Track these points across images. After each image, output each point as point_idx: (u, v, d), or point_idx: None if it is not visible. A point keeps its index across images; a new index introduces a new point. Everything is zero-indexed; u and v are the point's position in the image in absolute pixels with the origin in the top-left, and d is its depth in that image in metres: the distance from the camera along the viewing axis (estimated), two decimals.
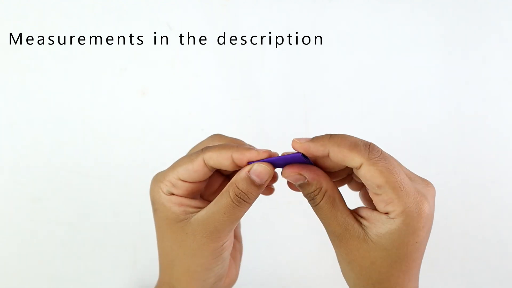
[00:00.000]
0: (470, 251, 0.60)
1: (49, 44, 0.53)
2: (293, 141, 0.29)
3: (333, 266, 0.56)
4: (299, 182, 0.30)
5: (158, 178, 0.32)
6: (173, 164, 0.32)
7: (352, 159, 0.28)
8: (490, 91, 0.56)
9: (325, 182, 0.29)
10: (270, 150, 0.31)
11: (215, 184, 0.36)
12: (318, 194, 0.29)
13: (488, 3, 0.54)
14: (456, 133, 0.56)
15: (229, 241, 0.33)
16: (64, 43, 0.53)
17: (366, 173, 0.27)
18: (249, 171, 0.29)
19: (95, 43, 0.53)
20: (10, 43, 0.53)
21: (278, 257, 0.58)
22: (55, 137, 0.54)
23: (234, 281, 0.38)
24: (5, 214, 0.55)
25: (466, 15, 0.54)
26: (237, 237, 0.39)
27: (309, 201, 0.30)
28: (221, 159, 0.30)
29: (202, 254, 0.31)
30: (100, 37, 0.53)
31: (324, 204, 0.29)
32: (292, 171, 0.29)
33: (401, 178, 0.27)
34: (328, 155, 0.29)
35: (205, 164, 0.31)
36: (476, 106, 0.56)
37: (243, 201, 0.30)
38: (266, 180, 0.30)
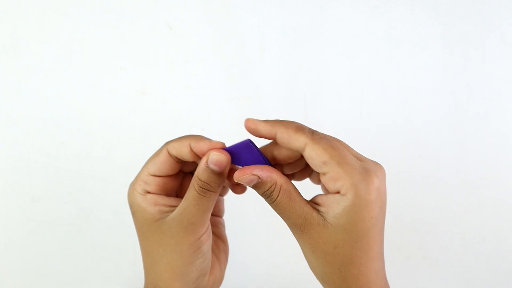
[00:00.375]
0: (470, 251, 0.60)
1: (49, 43, 0.53)
2: (246, 119, 0.32)
3: None
4: (253, 183, 0.30)
5: (132, 182, 0.34)
6: (144, 164, 0.34)
7: (296, 140, 0.29)
8: (490, 91, 0.56)
9: (278, 177, 0.30)
10: (223, 142, 0.32)
11: (189, 183, 0.37)
12: (274, 191, 0.30)
13: (488, 3, 0.54)
14: (456, 133, 0.56)
15: (206, 234, 0.34)
16: (64, 43, 0.53)
17: (311, 152, 0.29)
18: (207, 162, 0.31)
19: (95, 43, 0.53)
20: (10, 43, 0.53)
21: (278, 257, 0.58)
22: (55, 137, 0.54)
23: (219, 280, 0.39)
24: (5, 214, 0.55)
25: (466, 15, 0.54)
26: (221, 238, 0.40)
27: (266, 199, 0.31)
28: (181, 148, 0.32)
29: (181, 248, 0.32)
30: (100, 37, 0.53)
31: (281, 199, 0.30)
32: (244, 172, 0.30)
33: (345, 154, 0.29)
34: (275, 137, 0.30)
35: (169, 155, 0.33)
36: (476, 106, 0.56)
37: (208, 191, 0.31)
38: (225, 167, 0.31)
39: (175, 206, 0.33)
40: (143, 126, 0.54)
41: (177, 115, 0.54)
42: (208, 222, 0.34)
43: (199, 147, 0.31)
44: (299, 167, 0.34)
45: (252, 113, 0.55)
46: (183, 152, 0.32)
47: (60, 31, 0.53)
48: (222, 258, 0.39)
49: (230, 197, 0.55)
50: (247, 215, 0.57)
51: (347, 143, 0.54)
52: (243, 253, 0.58)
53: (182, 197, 0.36)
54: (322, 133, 0.30)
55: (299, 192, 0.31)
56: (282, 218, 0.31)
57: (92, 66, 0.53)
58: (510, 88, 0.55)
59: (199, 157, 0.32)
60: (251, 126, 0.31)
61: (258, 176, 0.30)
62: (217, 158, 0.31)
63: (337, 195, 0.29)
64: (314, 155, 0.29)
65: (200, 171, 0.31)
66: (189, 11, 0.53)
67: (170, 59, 0.54)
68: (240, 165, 0.32)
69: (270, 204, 0.31)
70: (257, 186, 0.30)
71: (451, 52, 0.55)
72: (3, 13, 0.52)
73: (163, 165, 0.33)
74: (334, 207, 0.29)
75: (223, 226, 0.41)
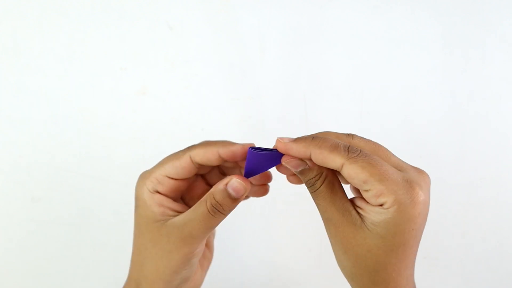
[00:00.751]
0: (470, 251, 0.60)
1: (49, 43, 0.53)
2: (277, 140, 0.30)
3: (333, 266, 0.56)
4: (300, 168, 0.30)
5: (145, 175, 0.34)
6: (160, 162, 0.33)
7: (333, 160, 0.28)
8: (490, 91, 0.56)
9: (325, 169, 0.30)
10: (253, 144, 0.32)
11: (198, 190, 0.37)
12: (319, 179, 0.30)
13: (488, 3, 0.54)
14: (456, 133, 0.56)
15: (200, 248, 0.34)
16: (64, 43, 0.53)
17: (350, 172, 0.28)
18: (226, 184, 0.31)
19: (95, 43, 0.53)
20: (10, 43, 0.53)
21: (278, 257, 0.58)
22: (55, 137, 0.54)
23: (198, 285, 0.39)
24: (5, 214, 0.55)
25: (466, 15, 0.54)
26: (208, 246, 0.40)
27: (309, 187, 0.30)
28: (208, 155, 0.31)
29: (174, 257, 0.32)
30: (100, 37, 0.53)
31: (324, 189, 0.30)
32: (293, 157, 0.30)
33: (385, 169, 0.28)
34: (310, 157, 0.29)
35: (192, 161, 0.32)
36: (476, 106, 0.56)
37: (219, 212, 0.31)
38: (242, 195, 0.31)
39: (178, 212, 0.33)
40: (143, 126, 0.54)
41: (177, 115, 0.54)
42: (206, 238, 0.34)
43: (230, 152, 0.31)
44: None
45: (252, 113, 0.55)
46: (210, 160, 0.32)
47: (60, 31, 0.53)
48: (205, 265, 0.39)
49: None
50: (247, 215, 0.57)
51: None
52: (243, 253, 0.58)
53: (187, 199, 0.36)
54: (357, 149, 0.29)
55: (343, 190, 0.30)
56: (320, 210, 0.31)
57: (92, 66, 0.53)
58: (510, 88, 0.56)
59: (225, 161, 0.32)
60: (281, 147, 0.30)
61: (307, 162, 0.30)
62: (238, 186, 0.31)
63: (378, 207, 0.28)
64: (353, 175, 0.28)
65: (217, 191, 0.31)
66: (189, 11, 0.53)
67: (170, 59, 0.54)
68: (263, 170, 0.32)
69: (311, 193, 0.30)
70: (303, 172, 0.30)
71: (451, 52, 0.55)
72: (3, 13, 0.52)
73: (183, 170, 0.32)
74: (374, 216, 0.28)
75: (213, 235, 0.41)
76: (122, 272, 0.57)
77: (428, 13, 0.54)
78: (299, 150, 0.29)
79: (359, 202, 0.30)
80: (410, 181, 0.28)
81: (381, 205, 0.28)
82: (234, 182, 0.31)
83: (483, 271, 0.60)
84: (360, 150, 0.29)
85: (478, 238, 0.60)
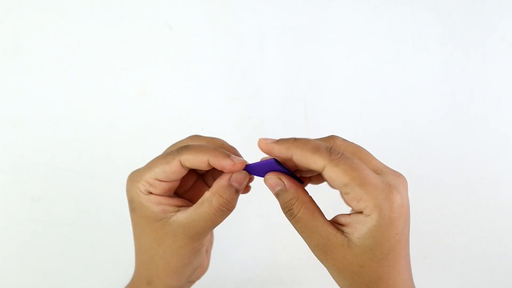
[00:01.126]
0: (470, 251, 0.60)
1: (49, 44, 0.53)
2: (259, 140, 0.31)
3: None
4: (278, 188, 0.30)
5: (135, 178, 0.33)
6: (149, 164, 0.33)
7: (314, 162, 0.28)
8: (490, 91, 0.56)
9: (302, 194, 0.30)
10: (245, 161, 0.32)
11: (189, 181, 0.37)
12: (295, 204, 0.30)
13: (488, 3, 0.54)
14: (456, 133, 0.56)
15: (207, 238, 0.35)
16: (64, 43, 0.53)
17: (331, 174, 0.28)
18: (229, 179, 0.31)
19: (95, 43, 0.53)
20: (10, 43, 0.53)
21: (278, 257, 0.58)
22: (55, 136, 0.54)
23: (206, 268, 0.40)
24: (5, 214, 0.55)
25: (466, 15, 0.54)
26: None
27: (287, 213, 0.30)
28: (198, 162, 0.31)
29: (183, 252, 0.33)
30: (100, 37, 0.53)
31: (303, 215, 0.30)
32: (273, 174, 0.30)
33: (366, 174, 0.28)
34: (291, 158, 0.29)
35: (182, 165, 0.32)
36: (476, 106, 0.56)
37: (227, 210, 0.31)
38: (243, 186, 0.32)
39: (178, 206, 0.33)
40: (143, 126, 0.54)
41: (177, 115, 0.54)
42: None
43: (220, 165, 0.31)
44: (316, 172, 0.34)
45: (252, 113, 0.55)
46: (200, 166, 0.31)
47: (60, 31, 0.53)
48: (209, 249, 0.40)
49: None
50: (247, 215, 0.57)
51: None
52: (243, 253, 0.58)
53: (181, 192, 0.36)
54: (339, 151, 0.29)
55: (323, 213, 0.30)
56: (304, 239, 0.31)
57: (92, 66, 0.53)
58: (510, 88, 0.55)
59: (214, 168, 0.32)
60: (263, 148, 0.31)
61: (284, 183, 0.30)
62: (241, 177, 0.31)
63: (360, 216, 0.28)
64: (334, 177, 0.28)
65: (223, 188, 0.31)
66: (189, 11, 0.53)
67: (170, 59, 0.54)
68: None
69: (291, 221, 0.30)
70: (280, 194, 0.30)
71: (451, 52, 0.55)
72: (3, 13, 0.52)
73: (173, 174, 0.32)
74: (359, 228, 0.28)
75: None
76: (122, 272, 0.57)
77: (428, 13, 0.54)
78: (281, 151, 0.30)
79: (341, 219, 0.30)
80: (388, 185, 0.28)
81: (361, 212, 0.28)
82: (238, 174, 0.31)
83: (483, 271, 0.60)
84: (342, 153, 0.29)
85: (478, 238, 0.60)
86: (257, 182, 0.57)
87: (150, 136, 0.54)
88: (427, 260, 0.60)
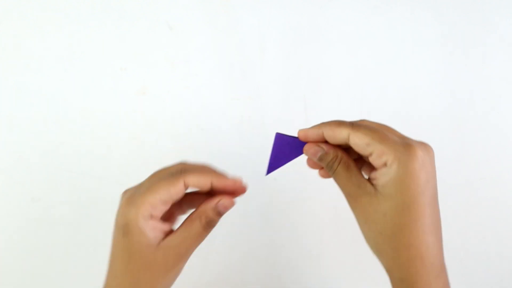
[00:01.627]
0: (470, 251, 0.60)
1: (49, 44, 0.53)
2: (299, 131, 0.36)
3: (332, 266, 0.56)
4: (319, 154, 0.34)
5: (135, 201, 0.33)
6: (150, 187, 0.33)
7: (340, 133, 0.33)
8: (490, 91, 0.56)
9: (340, 152, 0.34)
10: (243, 181, 0.36)
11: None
12: (335, 161, 0.34)
13: (488, 3, 0.54)
14: (456, 133, 0.56)
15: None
16: (64, 43, 0.53)
17: (354, 139, 0.32)
18: (217, 203, 0.34)
19: (95, 43, 0.53)
20: (10, 43, 0.53)
21: (278, 257, 0.58)
22: (55, 137, 0.54)
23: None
24: (5, 214, 0.55)
25: (466, 15, 0.54)
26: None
27: (329, 170, 0.35)
28: (202, 183, 0.33)
29: (170, 274, 0.35)
30: (100, 37, 0.53)
31: (341, 169, 0.34)
32: (311, 145, 0.35)
33: (386, 134, 0.31)
34: (324, 136, 0.34)
35: (185, 186, 0.33)
36: (476, 106, 0.56)
37: (211, 227, 0.35)
38: (227, 211, 0.35)
39: (166, 232, 0.34)
40: (143, 126, 0.54)
41: (177, 115, 0.54)
42: None
43: (223, 185, 0.34)
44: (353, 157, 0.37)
45: (252, 113, 0.55)
46: (202, 187, 0.34)
47: (60, 31, 0.53)
48: None
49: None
50: (247, 215, 0.57)
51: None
52: (243, 253, 0.58)
53: (165, 218, 0.37)
54: (361, 121, 0.34)
55: (358, 167, 0.34)
56: (341, 188, 0.35)
57: (92, 66, 0.53)
58: (510, 88, 0.56)
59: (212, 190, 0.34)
60: (301, 135, 0.35)
61: (323, 148, 0.34)
62: (228, 205, 0.35)
63: (384, 168, 0.31)
64: (357, 141, 0.31)
65: (210, 209, 0.34)
66: (189, 11, 0.53)
67: (170, 59, 0.54)
68: (284, 161, 0.38)
69: (332, 175, 0.35)
70: (322, 158, 0.34)
71: (451, 52, 0.55)
72: (3, 13, 0.52)
73: (177, 196, 0.33)
74: (382, 178, 0.31)
75: None
76: None
77: (428, 13, 0.54)
78: (313, 132, 0.34)
79: (372, 174, 0.33)
80: (408, 143, 0.31)
81: (385, 164, 0.31)
82: (225, 202, 0.34)
83: (483, 271, 0.60)
84: (363, 122, 0.34)
85: (478, 238, 0.60)
86: (257, 183, 0.57)
87: (150, 136, 0.54)
88: None
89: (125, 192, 0.35)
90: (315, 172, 0.55)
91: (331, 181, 0.57)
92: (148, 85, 0.54)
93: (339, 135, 0.33)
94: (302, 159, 0.55)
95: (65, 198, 0.55)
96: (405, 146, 0.31)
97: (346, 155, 0.35)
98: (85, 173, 0.55)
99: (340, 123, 0.33)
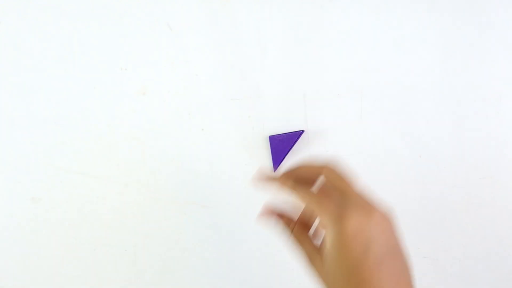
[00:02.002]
0: (470, 251, 0.60)
1: (49, 43, 0.53)
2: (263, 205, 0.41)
3: None
4: (274, 223, 0.39)
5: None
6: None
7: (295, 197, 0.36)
8: (490, 91, 0.56)
9: (292, 223, 0.39)
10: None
11: None
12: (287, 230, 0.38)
13: (488, 3, 0.54)
14: (456, 132, 0.56)
15: None
16: (64, 43, 0.53)
17: (298, 201, 0.35)
18: None
19: (95, 43, 0.53)
20: (10, 43, 0.53)
21: (278, 257, 0.58)
22: (55, 137, 0.54)
23: None
24: (5, 214, 0.55)
25: (466, 15, 0.54)
26: None
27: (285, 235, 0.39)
28: None
29: None
30: (100, 37, 0.53)
31: (293, 237, 0.38)
32: (268, 215, 0.40)
33: (325, 197, 0.33)
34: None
35: None
36: (476, 106, 0.56)
37: None
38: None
39: None
40: (143, 126, 0.54)
41: (177, 115, 0.54)
42: None
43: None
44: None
45: (252, 113, 0.55)
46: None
47: (60, 31, 0.53)
48: None
49: (233, 199, 0.55)
50: (247, 215, 0.57)
51: (347, 143, 0.54)
52: (243, 253, 0.58)
53: None
54: (325, 188, 0.35)
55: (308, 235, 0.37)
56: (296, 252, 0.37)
57: (92, 66, 0.53)
58: (510, 88, 0.56)
59: None
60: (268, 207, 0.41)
61: (278, 220, 0.39)
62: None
63: (324, 230, 0.32)
64: (301, 203, 0.35)
65: None
66: (189, 11, 0.53)
67: (170, 59, 0.54)
68: (283, 155, 0.46)
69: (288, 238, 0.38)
70: (277, 225, 0.38)
71: (451, 52, 0.55)
72: (3, 13, 0.52)
73: None
74: (326, 241, 0.32)
75: None
76: (122, 272, 0.57)
77: (428, 13, 0.54)
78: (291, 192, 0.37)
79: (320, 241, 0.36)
80: (345, 207, 0.31)
81: (324, 227, 0.32)
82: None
83: (483, 271, 0.60)
84: (305, 190, 0.35)
85: (478, 238, 0.60)
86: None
87: (150, 136, 0.54)
88: (427, 260, 0.60)
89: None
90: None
91: None
92: (148, 85, 0.54)
93: (295, 200, 0.35)
94: (299, 151, 0.55)
95: (65, 198, 0.55)
96: (342, 209, 0.31)
97: (298, 225, 0.38)
98: (85, 173, 0.55)
99: (294, 188, 0.36)
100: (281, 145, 0.49)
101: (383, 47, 0.54)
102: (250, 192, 0.54)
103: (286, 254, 0.55)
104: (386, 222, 0.31)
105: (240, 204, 0.56)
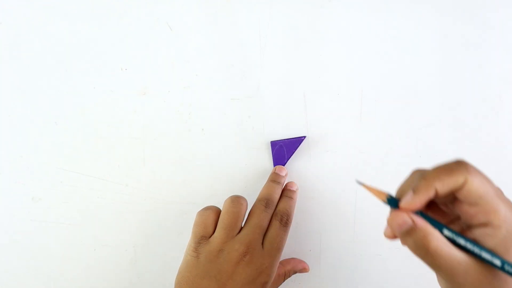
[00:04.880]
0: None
1: (49, 43, 0.53)
2: (400, 208, 0.29)
3: (333, 266, 0.56)
4: (405, 227, 0.29)
5: None
6: None
7: (456, 181, 0.28)
8: (490, 91, 0.56)
9: (429, 225, 0.30)
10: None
11: None
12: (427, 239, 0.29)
13: (488, 3, 0.54)
14: (456, 133, 0.56)
15: None
16: (64, 43, 0.53)
17: (472, 187, 0.28)
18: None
19: (95, 43, 0.53)
20: (10, 43, 0.53)
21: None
22: (55, 136, 0.54)
23: None
24: (5, 214, 0.55)
25: (466, 15, 0.54)
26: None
27: (415, 249, 0.30)
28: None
29: None
30: (100, 37, 0.53)
31: (437, 248, 0.29)
32: (397, 215, 0.29)
33: (496, 187, 0.29)
34: (437, 192, 0.29)
35: None
36: (476, 106, 0.56)
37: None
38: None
39: None
40: (143, 126, 0.54)
41: (177, 115, 0.54)
42: None
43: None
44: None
45: (252, 113, 0.55)
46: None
47: (60, 31, 0.53)
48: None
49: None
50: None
51: (347, 143, 0.54)
52: None
53: None
54: (466, 165, 0.30)
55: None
56: (438, 272, 0.29)
57: (93, 66, 0.53)
58: (510, 88, 0.55)
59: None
60: (412, 209, 0.29)
61: (413, 220, 0.28)
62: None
63: (488, 229, 0.28)
64: (473, 190, 0.28)
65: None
66: (189, 11, 0.53)
67: (170, 59, 0.54)
68: (284, 160, 0.46)
69: (423, 257, 0.28)
70: (409, 232, 0.28)
71: (451, 52, 0.55)
72: (3, 13, 0.52)
73: None
74: (488, 241, 0.28)
75: None
76: (122, 272, 0.57)
77: (428, 13, 0.54)
78: (425, 197, 0.29)
79: (472, 234, 0.30)
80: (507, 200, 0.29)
81: (487, 224, 0.28)
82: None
83: None
84: (479, 171, 0.30)
85: None
86: (257, 183, 0.57)
87: (150, 136, 0.55)
88: None
89: None
90: (315, 172, 0.55)
91: (331, 181, 0.57)
92: (148, 85, 0.54)
93: (454, 184, 0.28)
94: (299, 151, 0.55)
95: (65, 198, 0.55)
96: (509, 205, 0.28)
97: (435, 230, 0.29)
98: (85, 173, 0.55)
99: (451, 170, 0.29)
100: (283, 150, 0.49)
101: (383, 47, 0.54)
102: (250, 192, 0.54)
103: (286, 253, 0.55)
104: None
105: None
